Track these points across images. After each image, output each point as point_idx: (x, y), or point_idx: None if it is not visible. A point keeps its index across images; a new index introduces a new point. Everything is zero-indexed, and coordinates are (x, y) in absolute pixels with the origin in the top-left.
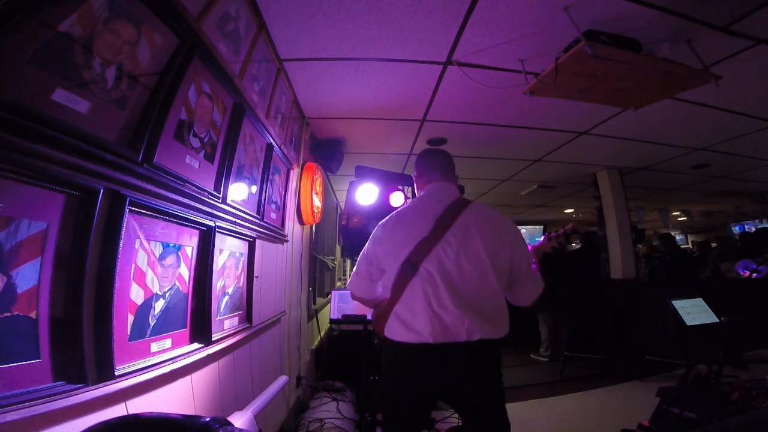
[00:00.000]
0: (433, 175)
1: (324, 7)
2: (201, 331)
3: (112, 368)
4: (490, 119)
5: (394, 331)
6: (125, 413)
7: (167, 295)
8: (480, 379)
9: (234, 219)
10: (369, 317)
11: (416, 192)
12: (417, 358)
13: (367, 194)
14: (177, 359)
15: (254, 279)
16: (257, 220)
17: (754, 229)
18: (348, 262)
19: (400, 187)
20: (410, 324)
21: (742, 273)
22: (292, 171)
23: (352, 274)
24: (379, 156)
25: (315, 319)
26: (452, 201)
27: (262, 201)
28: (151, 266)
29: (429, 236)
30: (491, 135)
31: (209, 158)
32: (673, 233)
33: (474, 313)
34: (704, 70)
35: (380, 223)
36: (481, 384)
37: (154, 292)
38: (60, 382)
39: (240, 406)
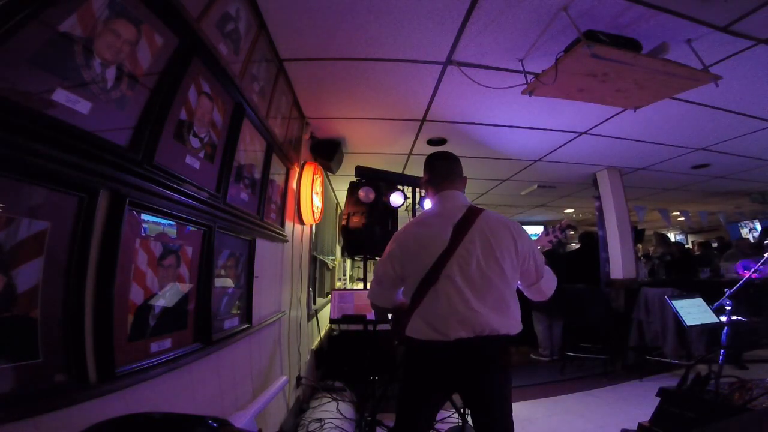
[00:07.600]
0: (443, 183)
1: (324, 8)
2: (201, 331)
3: (112, 368)
4: (490, 119)
5: (417, 330)
6: (125, 413)
7: (167, 295)
8: (495, 372)
9: (234, 219)
10: (369, 317)
11: (425, 194)
12: (438, 354)
13: (366, 195)
14: (177, 359)
15: (254, 279)
16: (257, 220)
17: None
18: (348, 262)
19: (400, 187)
20: (433, 323)
21: (741, 273)
22: (291, 171)
23: (371, 283)
24: (379, 156)
25: (315, 319)
26: (466, 211)
27: (262, 201)
28: (151, 266)
29: (449, 246)
30: (491, 135)
31: (209, 158)
32: (673, 233)
33: (493, 311)
34: (704, 70)
35: (397, 235)
36: (495, 377)
37: (154, 292)
38: (60, 382)
39: (240, 406)
